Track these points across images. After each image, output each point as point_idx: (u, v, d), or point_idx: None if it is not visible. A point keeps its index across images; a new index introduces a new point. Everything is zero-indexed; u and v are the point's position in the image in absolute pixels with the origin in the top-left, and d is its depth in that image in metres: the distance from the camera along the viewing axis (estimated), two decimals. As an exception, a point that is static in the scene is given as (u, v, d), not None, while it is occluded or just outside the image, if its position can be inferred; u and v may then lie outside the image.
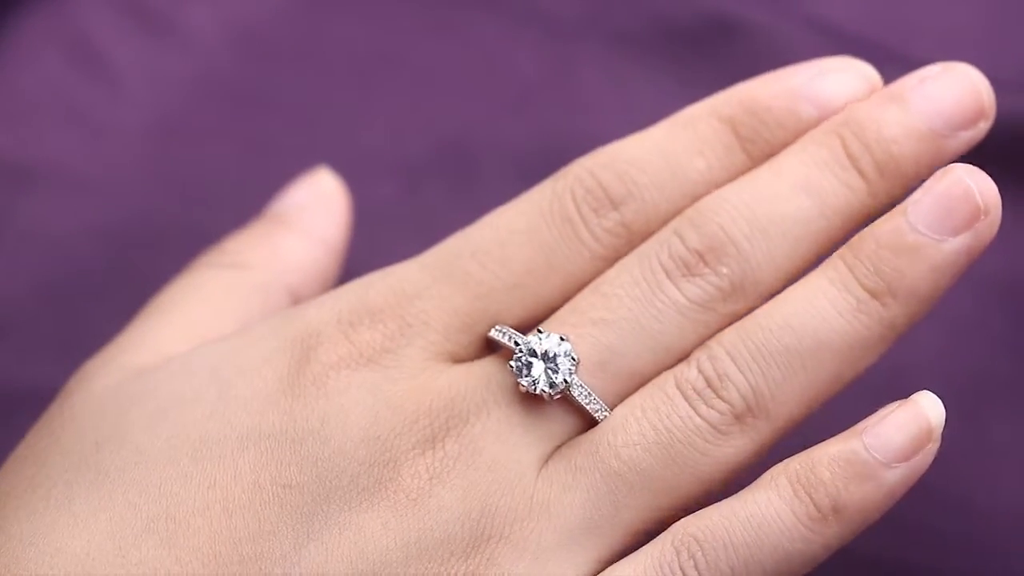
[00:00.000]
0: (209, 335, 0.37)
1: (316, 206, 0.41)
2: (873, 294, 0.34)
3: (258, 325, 0.37)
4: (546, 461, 0.35)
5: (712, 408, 0.34)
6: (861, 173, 0.35)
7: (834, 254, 0.35)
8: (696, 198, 0.36)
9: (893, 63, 0.45)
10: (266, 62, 0.48)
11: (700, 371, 0.35)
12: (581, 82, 0.47)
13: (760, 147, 0.36)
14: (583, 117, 0.47)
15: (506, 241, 0.36)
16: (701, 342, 0.35)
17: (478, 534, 0.34)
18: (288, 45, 0.48)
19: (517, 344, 0.35)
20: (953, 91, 0.36)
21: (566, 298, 0.36)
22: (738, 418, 0.34)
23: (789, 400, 0.34)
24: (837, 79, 0.36)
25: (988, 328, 0.41)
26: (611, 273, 0.36)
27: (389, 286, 0.36)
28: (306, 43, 0.48)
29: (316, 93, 0.48)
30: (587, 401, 0.35)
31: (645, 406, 0.35)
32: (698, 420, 0.34)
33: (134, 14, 0.49)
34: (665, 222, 0.36)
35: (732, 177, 0.36)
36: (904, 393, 0.35)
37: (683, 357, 0.35)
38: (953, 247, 0.34)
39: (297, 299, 0.39)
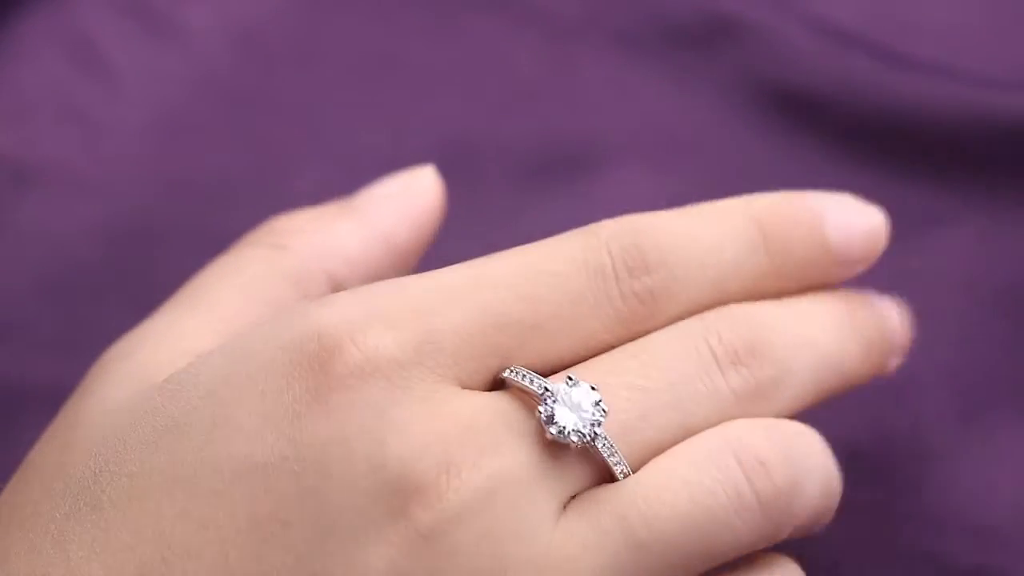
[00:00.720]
0: (235, 326, 0.35)
1: (390, 200, 0.38)
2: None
3: (262, 326, 0.34)
4: (563, 510, 0.33)
5: (772, 481, 0.33)
6: (861, 343, 0.37)
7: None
8: (718, 287, 0.35)
9: (893, 63, 0.46)
10: (266, 62, 0.48)
11: (768, 439, 0.34)
12: (581, 82, 0.47)
13: (780, 251, 0.36)
14: (583, 116, 0.47)
15: (534, 280, 0.34)
16: None
17: None
18: (288, 45, 0.48)
19: (547, 390, 0.33)
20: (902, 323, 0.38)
21: (577, 356, 0.34)
22: (777, 496, 0.33)
23: (809, 509, 0.34)
24: (861, 219, 0.37)
25: (992, 333, 0.41)
26: (653, 342, 0.35)
27: (405, 297, 0.33)
28: (306, 43, 0.48)
29: (316, 93, 0.48)
30: (609, 454, 0.33)
31: (689, 478, 0.33)
32: (748, 496, 0.33)
33: (134, 14, 0.49)
34: (685, 304, 0.35)
35: (752, 275, 0.36)
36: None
37: None
38: None
39: (338, 289, 0.37)
